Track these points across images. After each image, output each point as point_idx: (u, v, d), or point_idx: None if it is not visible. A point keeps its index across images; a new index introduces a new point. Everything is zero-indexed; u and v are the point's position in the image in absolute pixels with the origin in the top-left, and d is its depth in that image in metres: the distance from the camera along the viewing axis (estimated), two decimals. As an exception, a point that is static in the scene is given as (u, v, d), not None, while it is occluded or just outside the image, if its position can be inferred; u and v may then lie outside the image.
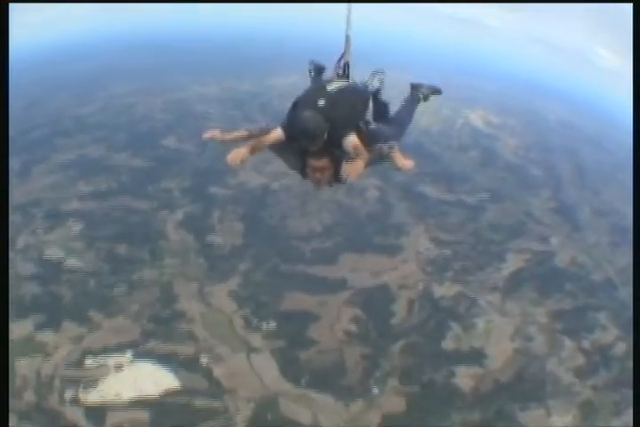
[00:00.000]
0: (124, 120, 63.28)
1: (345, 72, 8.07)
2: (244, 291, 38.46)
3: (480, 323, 39.15)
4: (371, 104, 8.00)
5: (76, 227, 43.17)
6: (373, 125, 7.73)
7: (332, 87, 7.45)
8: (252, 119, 63.72)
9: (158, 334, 34.45)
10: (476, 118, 72.60)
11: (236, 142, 7.65)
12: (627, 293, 44.48)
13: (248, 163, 7.47)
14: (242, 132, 7.85)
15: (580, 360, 37.90)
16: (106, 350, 33.01)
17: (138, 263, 39.93)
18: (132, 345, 33.54)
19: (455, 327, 38.33)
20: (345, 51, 8.07)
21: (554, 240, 49.48)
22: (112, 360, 32.32)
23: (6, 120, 12.79)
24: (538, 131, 77.89)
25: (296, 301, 38.16)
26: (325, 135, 6.87)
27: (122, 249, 41.15)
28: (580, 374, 36.97)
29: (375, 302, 38.93)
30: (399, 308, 38.83)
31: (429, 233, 46.69)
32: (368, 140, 7.35)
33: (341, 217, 47.43)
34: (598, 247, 50.54)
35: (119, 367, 31.80)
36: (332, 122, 6.93)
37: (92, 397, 30.50)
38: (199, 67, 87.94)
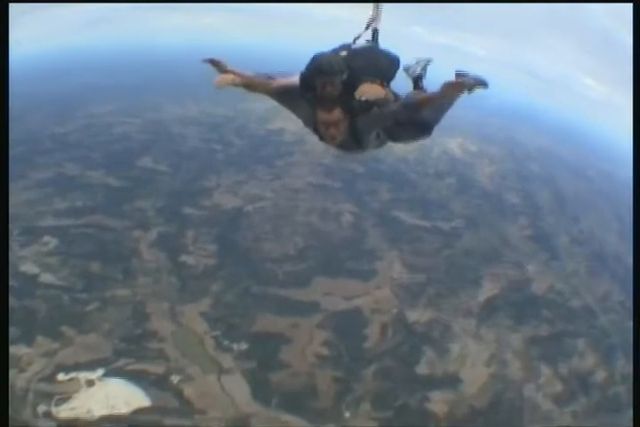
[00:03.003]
0: (101, 139, 65.58)
1: (373, 38, 8.08)
2: (215, 312, 40.26)
3: (454, 348, 40.94)
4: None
5: (51, 243, 45.08)
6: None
7: (357, 45, 7.58)
8: (227, 142, 67.84)
9: (129, 353, 36.15)
10: (453, 146, 75.74)
11: (252, 88, 7.38)
12: (606, 320, 47.40)
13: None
14: (260, 78, 7.49)
15: (558, 387, 39.89)
16: (78, 367, 34.61)
17: (111, 281, 41.76)
18: (103, 362, 35.19)
19: (429, 352, 40.11)
20: (373, 17, 8.13)
21: (530, 267, 52.06)
22: (84, 376, 33.99)
23: (6, 121, 13.59)
24: (517, 159, 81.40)
25: (268, 323, 40.02)
26: (342, 78, 6.78)
27: (95, 267, 43.00)
28: (559, 400, 38.80)
29: (348, 325, 40.83)
30: (372, 332, 40.66)
31: (403, 259, 48.98)
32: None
33: (315, 241, 49.63)
34: (576, 275, 53.16)
35: (91, 384, 33.51)
36: (352, 70, 6.88)
37: (65, 412, 32.05)
38: (179, 87, 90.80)
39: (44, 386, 33.21)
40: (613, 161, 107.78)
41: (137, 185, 55.20)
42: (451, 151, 75.27)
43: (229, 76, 6.90)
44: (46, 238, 45.64)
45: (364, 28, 8.01)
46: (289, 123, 74.36)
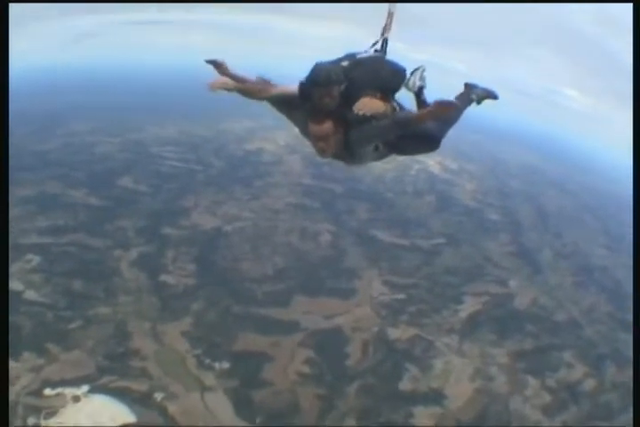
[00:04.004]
0: (83, 158, 68.04)
1: (382, 48, 8.03)
2: (196, 331, 41.43)
3: (438, 364, 42.00)
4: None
5: (34, 260, 46.49)
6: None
7: (362, 55, 7.57)
8: (206, 163, 70.20)
9: (113, 370, 37.25)
10: (432, 164, 77.59)
11: (247, 94, 7.38)
12: (593, 331, 48.88)
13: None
14: (258, 83, 7.36)
15: (546, 398, 40.86)
16: (63, 382, 35.74)
17: (93, 299, 43.13)
18: (87, 379, 36.34)
19: (412, 369, 41.16)
20: (386, 26, 8.08)
21: (513, 283, 53.59)
22: (70, 392, 35.16)
23: (6, 124, 13.99)
24: (497, 176, 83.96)
25: (249, 342, 41.15)
26: (340, 89, 6.79)
27: (77, 285, 44.43)
28: (547, 411, 39.76)
29: (329, 344, 41.95)
30: (353, 350, 41.80)
31: (383, 277, 50.42)
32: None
33: (294, 261, 51.07)
34: (561, 289, 54.79)
35: (76, 399, 34.65)
36: (351, 81, 6.91)
37: (54, 425, 33.25)
38: (159, 106, 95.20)
39: (32, 400, 34.38)
40: (599, 174, 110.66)
41: (118, 205, 57.12)
42: (430, 169, 77.27)
43: (223, 80, 7.04)
44: (29, 256, 47.06)
45: (379, 37, 8.05)
46: (267, 143, 76.89)
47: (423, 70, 8.05)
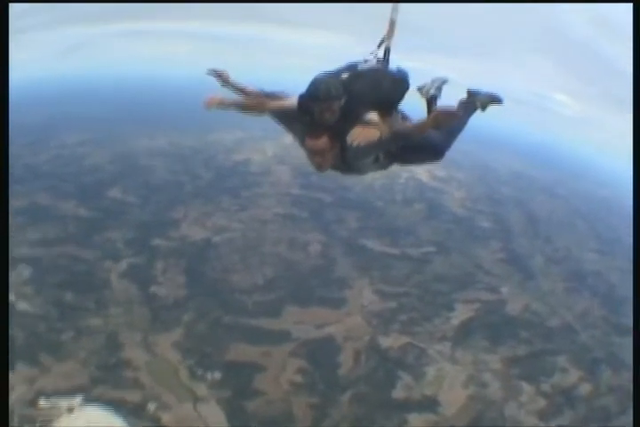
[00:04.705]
0: (73, 170, 69.19)
1: (385, 57, 7.96)
2: (187, 341, 42.34)
3: (431, 371, 42.91)
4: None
5: (26, 272, 47.37)
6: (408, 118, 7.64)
7: (363, 66, 7.50)
8: (195, 174, 71.23)
9: (106, 381, 38.17)
10: (420, 172, 78.14)
11: (244, 109, 7.63)
12: (587, 335, 49.83)
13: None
14: (257, 96, 7.65)
15: (541, 403, 41.90)
16: (57, 393, 36.72)
17: (84, 311, 44.08)
18: (81, 389, 37.23)
19: (405, 377, 42.06)
20: (387, 35, 8.05)
21: (504, 289, 54.52)
22: (64, 403, 36.04)
23: (6, 125, 14.08)
24: (487, 183, 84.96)
25: (240, 352, 42.01)
26: (340, 103, 6.78)
27: (69, 296, 45.39)
28: (543, 416, 40.76)
29: (320, 353, 42.81)
30: (345, 359, 42.69)
31: (374, 286, 51.31)
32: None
33: (284, 271, 51.96)
34: (553, 294, 55.78)
35: (71, 410, 35.52)
36: (351, 94, 6.90)
37: None
38: (149, 119, 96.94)
39: (26, 411, 35.27)
40: (589, 179, 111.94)
41: (107, 216, 58.26)
42: (418, 177, 78.09)
43: (219, 98, 7.18)
44: (21, 267, 47.85)
45: (377, 46, 7.97)
46: (256, 154, 77.80)
47: (443, 82, 8.29)
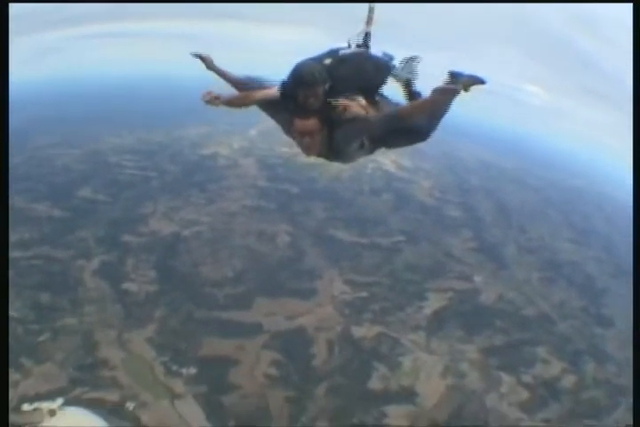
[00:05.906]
0: (45, 171, 70.09)
1: (365, 42, 8.06)
2: (161, 338, 42.68)
3: (406, 362, 43.32)
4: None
5: None
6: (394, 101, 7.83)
7: (345, 51, 7.63)
8: (162, 169, 71.98)
9: (84, 381, 38.44)
10: (387, 163, 79.69)
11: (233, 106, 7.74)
12: (566, 326, 50.73)
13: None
14: (244, 92, 7.80)
15: (524, 395, 42.35)
16: (39, 397, 36.95)
17: (59, 311, 44.36)
18: (61, 392, 37.51)
19: (380, 367, 42.42)
20: (367, 20, 8.14)
21: (477, 278, 55.50)
22: (46, 406, 36.39)
23: (6, 125, 14.11)
24: (455, 173, 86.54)
25: (213, 346, 42.28)
26: (324, 88, 7.01)
27: (45, 297, 45.65)
28: (527, 408, 41.14)
29: (293, 345, 43.15)
30: (319, 350, 43.05)
31: (344, 276, 51.94)
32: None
33: (253, 263, 52.44)
34: (528, 283, 56.85)
35: (52, 413, 35.87)
36: (334, 79, 7.12)
37: None
38: (116, 117, 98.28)
39: (12, 417, 34.92)
40: (560, 168, 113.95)
41: (78, 215, 58.84)
42: (385, 167, 79.24)
43: (214, 95, 7.29)
44: None
45: (361, 31, 8.06)
46: (222, 147, 78.34)
47: (414, 61, 8.01)
